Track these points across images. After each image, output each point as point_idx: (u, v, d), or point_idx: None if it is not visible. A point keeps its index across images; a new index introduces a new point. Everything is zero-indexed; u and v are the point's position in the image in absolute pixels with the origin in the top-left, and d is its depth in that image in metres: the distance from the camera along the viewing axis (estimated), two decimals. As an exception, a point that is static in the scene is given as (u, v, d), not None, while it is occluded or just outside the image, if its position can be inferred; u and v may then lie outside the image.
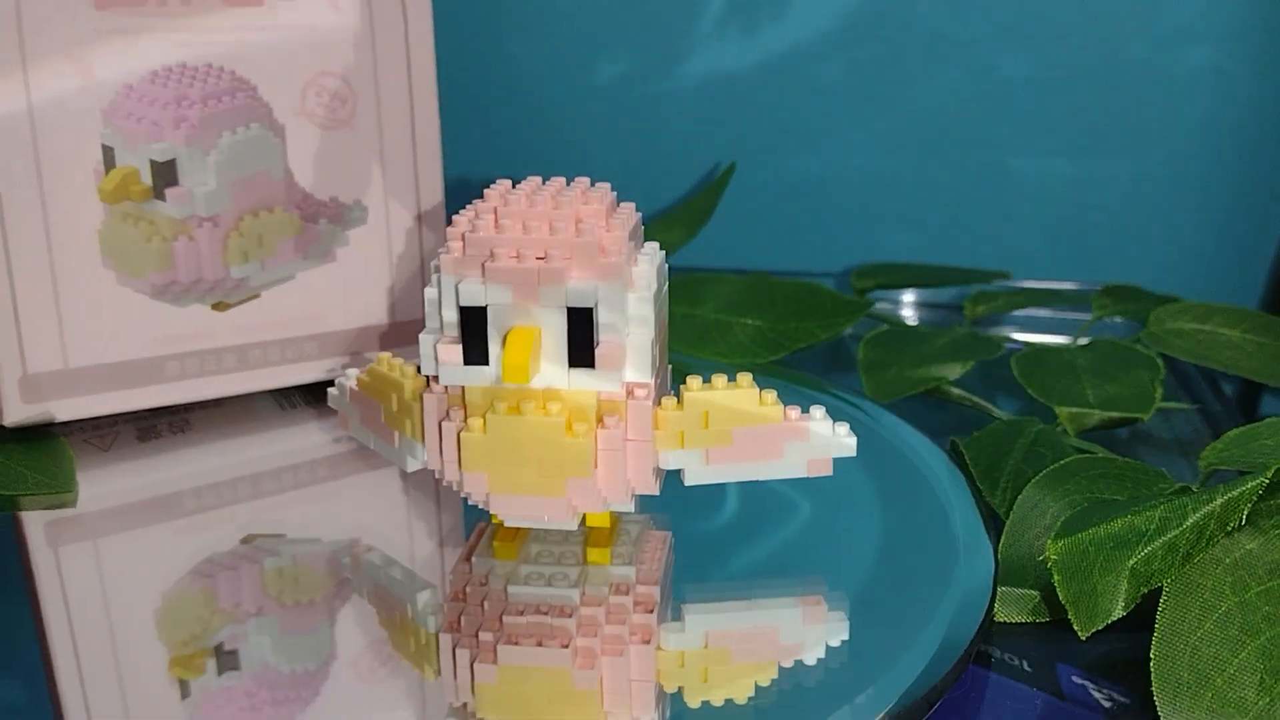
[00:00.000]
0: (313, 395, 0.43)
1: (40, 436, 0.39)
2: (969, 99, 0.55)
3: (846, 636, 0.31)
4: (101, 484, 0.38)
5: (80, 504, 0.37)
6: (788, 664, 0.30)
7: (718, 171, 0.57)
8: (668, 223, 0.52)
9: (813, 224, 0.57)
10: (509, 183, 0.32)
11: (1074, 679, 0.30)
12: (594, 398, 0.29)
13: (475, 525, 0.35)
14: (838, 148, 0.56)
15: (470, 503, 0.31)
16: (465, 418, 0.30)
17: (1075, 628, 0.27)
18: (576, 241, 0.29)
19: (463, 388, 0.30)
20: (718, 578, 0.34)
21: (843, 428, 0.32)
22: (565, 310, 0.29)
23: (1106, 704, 0.29)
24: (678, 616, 0.32)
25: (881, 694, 0.28)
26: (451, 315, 0.29)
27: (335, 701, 0.29)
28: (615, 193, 0.32)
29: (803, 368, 0.47)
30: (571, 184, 0.32)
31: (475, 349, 0.29)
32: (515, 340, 0.28)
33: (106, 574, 0.35)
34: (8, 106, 0.35)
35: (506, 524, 0.33)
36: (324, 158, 0.40)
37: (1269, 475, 0.27)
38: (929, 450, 0.39)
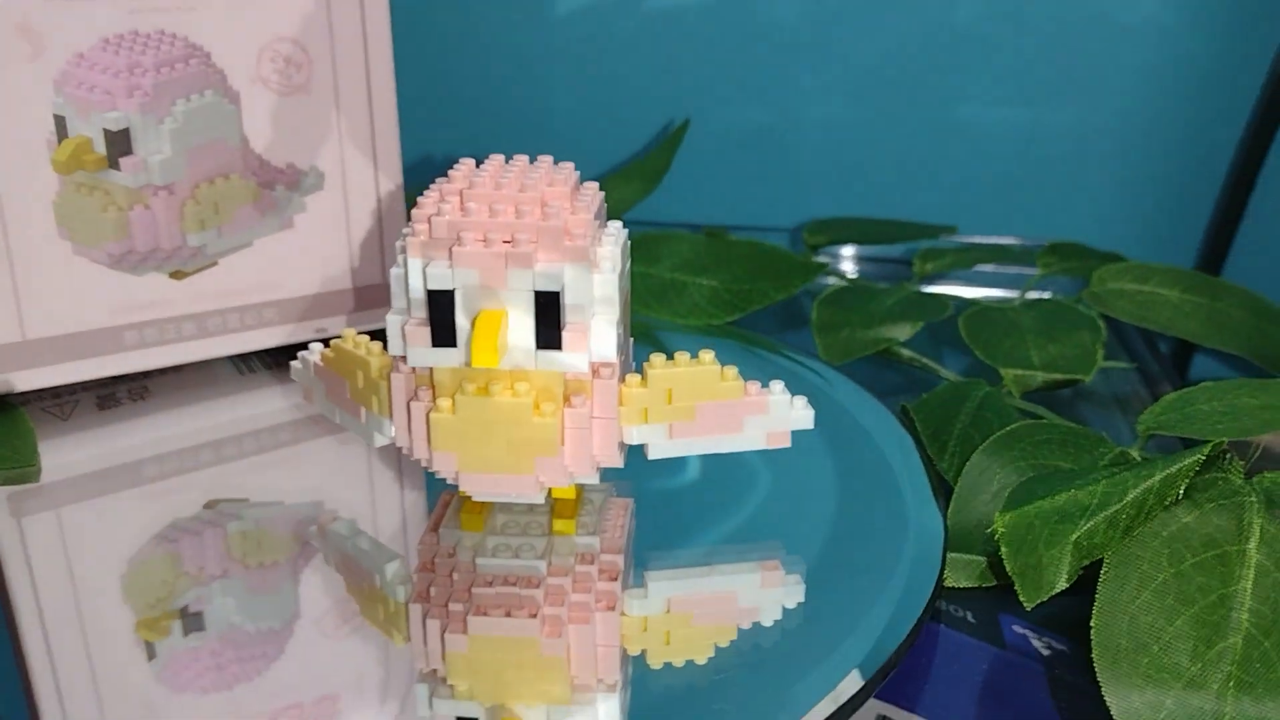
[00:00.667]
0: (272, 360, 0.43)
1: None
2: (920, 48, 0.56)
3: (803, 599, 0.32)
4: (62, 453, 0.38)
5: (43, 475, 0.37)
6: (747, 626, 0.31)
7: (672, 124, 0.57)
8: (623, 177, 0.52)
9: (765, 176, 0.58)
10: (473, 162, 0.32)
11: (1015, 629, 0.31)
12: (560, 378, 0.30)
13: (439, 495, 0.36)
14: (790, 98, 0.57)
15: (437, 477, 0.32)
16: (434, 398, 0.30)
17: (1021, 599, 0.28)
18: (543, 225, 0.29)
19: (431, 368, 0.30)
20: (678, 545, 0.35)
21: (800, 401, 0.33)
22: (533, 294, 0.29)
23: (1045, 652, 0.30)
24: (640, 583, 0.33)
25: (842, 658, 0.29)
26: (418, 296, 0.30)
27: (299, 660, 0.30)
28: (578, 170, 0.32)
29: (756, 324, 0.47)
30: (535, 162, 0.32)
31: (443, 331, 0.29)
32: (483, 324, 0.29)
33: (70, 544, 0.35)
34: (-45, 76, 0.34)
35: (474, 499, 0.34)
36: (280, 124, 0.39)
37: (1205, 452, 0.28)
38: (880, 415, 0.40)
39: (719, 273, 0.46)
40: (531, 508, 0.34)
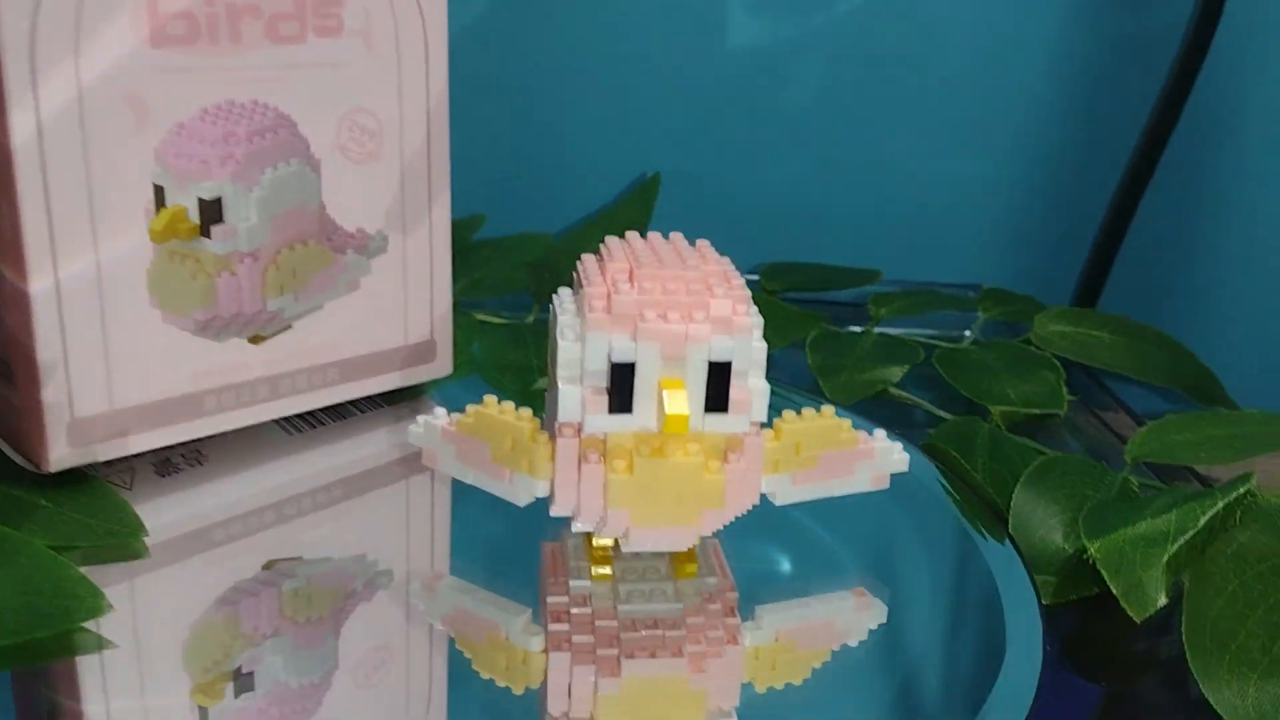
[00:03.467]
0: (315, 420, 0.44)
1: (76, 480, 0.37)
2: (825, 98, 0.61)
3: (884, 620, 0.37)
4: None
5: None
6: (840, 649, 0.35)
7: (636, 175, 0.60)
8: (596, 230, 0.55)
9: (706, 224, 0.62)
10: (619, 241, 0.35)
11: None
12: (723, 437, 0.33)
13: (542, 546, 0.38)
14: (715, 146, 0.61)
15: (599, 535, 0.34)
16: (605, 460, 0.33)
17: (1131, 614, 0.33)
18: (714, 303, 0.32)
19: (606, 433, 0.33)
20: (767, 577, 0.39)
21: (898, 446, 0.37)
22: (706, 364, 0.32)
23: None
24: (749, 615, 0.36)
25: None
26: (597, 368, 0.32)
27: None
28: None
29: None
30: (668, 239, 0.35)
31: (622, 400, 0.32)
32: (673, 395, 0.31)
33: (140, 612, 0.35)
34: (64, 147, 0.34)
35: (596, 545, 0.36)
36: (353, 191, 0.40)
37: (1249, 483, 0.35)
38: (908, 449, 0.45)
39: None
40: (639, 554, 0.37)
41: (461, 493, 0.41)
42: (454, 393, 0.48)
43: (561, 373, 0.33)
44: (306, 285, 0.40)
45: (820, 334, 0.52)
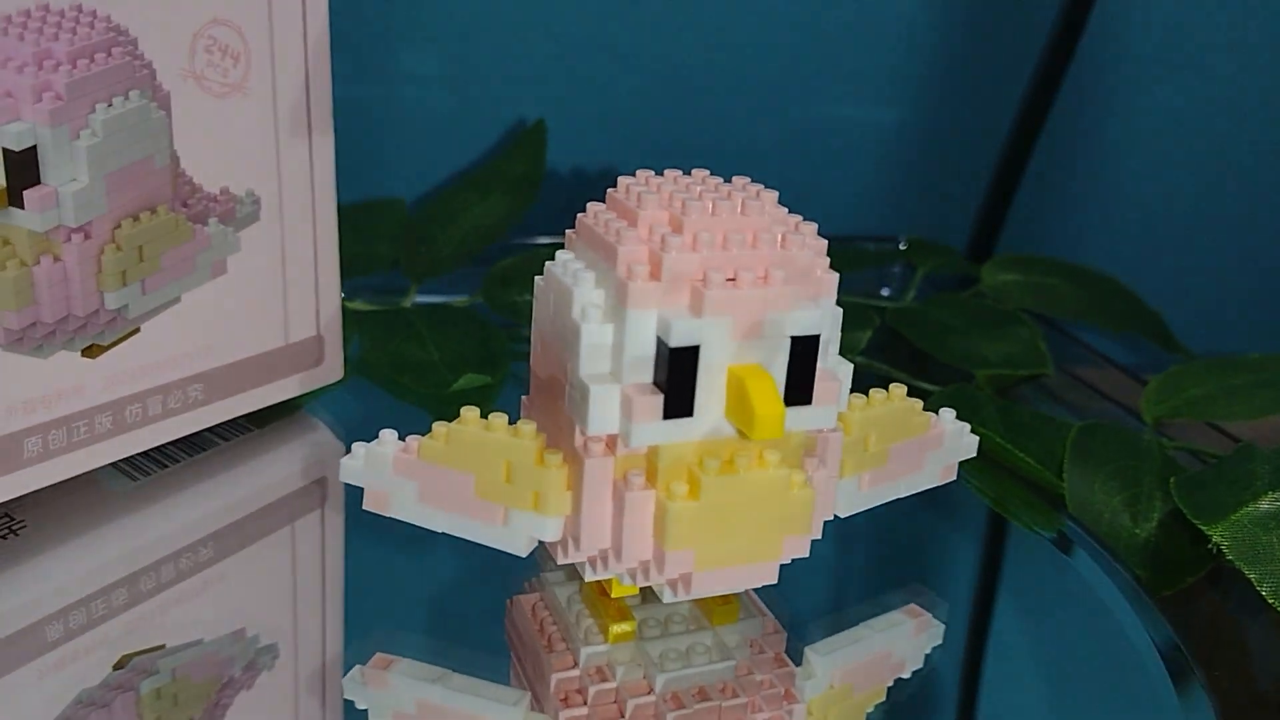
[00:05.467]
0: (166, 457, 0.32)
1: None
2: (696, 54, 0.54)
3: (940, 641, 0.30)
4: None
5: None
6: (896, 684, 0.28)
7: (505, 124, 0.50)
8: (476, 189, 0.45)
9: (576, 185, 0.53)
10: (634, 180, 0.25)
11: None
12: (800, 438, 0.25)
13: (512, 603, 0.29)
14: (586, 95, 0.53)
15: (637, 582, 0.25)
16: (657, 482, 0.24)
17: (1275, 604, 0.28)
18: (794, 256, 0.24)
19: (652, 447, 0.24)
20: (799, 608, 0.31)
21: (966, 427, 0.30)
22: (788, 341, 0.24)
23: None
24: (798, 660, 0.29)
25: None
26: (642, 356, 0.23)
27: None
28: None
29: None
30: (694, 176, 0.26)
31: (681, 398, 0.23)
32: (759, 386, 0.23)
33: None
34: None
35: (616, 593, 0.27)
36: (214, 136, 0.29)
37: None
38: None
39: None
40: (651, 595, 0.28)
41: (367, 535, 0.31)
42: (338, 404, 0.37)
43: (585, 368, 0.23)
44: (157, 270, 0.29)
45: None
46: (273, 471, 0.34)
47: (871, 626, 0.30)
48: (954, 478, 0.30)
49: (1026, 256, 0.48)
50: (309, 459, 0.35)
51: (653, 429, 0.23)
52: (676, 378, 0.23)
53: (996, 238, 0.59)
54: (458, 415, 0.25)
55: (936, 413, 0.29)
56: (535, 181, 0.45)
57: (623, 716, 0.25)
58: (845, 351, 0.41)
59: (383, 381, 0.38)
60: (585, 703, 0.26)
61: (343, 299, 0.42)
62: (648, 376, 0.23)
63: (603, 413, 0.23)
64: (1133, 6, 0.57)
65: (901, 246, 0.54)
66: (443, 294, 0.45)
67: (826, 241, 0.25)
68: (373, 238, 0.46)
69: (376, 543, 0.32)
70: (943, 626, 0.30)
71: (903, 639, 0.30)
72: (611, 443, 0.24)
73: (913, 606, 0.31)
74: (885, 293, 0.52)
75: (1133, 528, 0.32)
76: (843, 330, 0.42)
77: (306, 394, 0.35)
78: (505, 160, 0.46)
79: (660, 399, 0.23)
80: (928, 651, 0.29)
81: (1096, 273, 0.49)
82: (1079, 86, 0.58)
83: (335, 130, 0.49)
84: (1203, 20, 0.57)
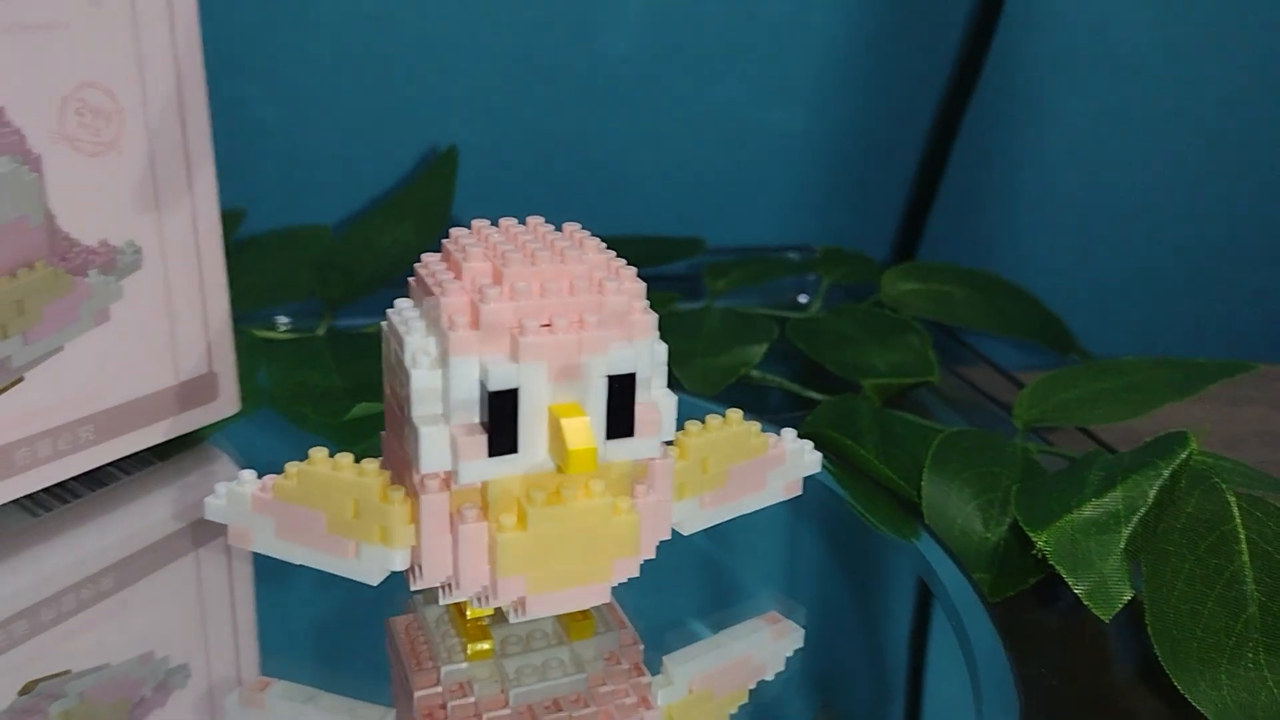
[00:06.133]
0: (68, 493, 0.34)
1: None
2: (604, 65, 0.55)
3: (801, 643, 0.31)
4: None
5: None
6: (758, 686, 0.30)
7: (430, 150, 0.52)
8: (389, 216, 0.47)
9: (516, 196, 0.54)
10: (469, 231, 0.27)
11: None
12: (629, 467, 0.26)
13: (389, 624, 0.30)
14: (506, 113, 0.54)
15: (481, 606, 0.27)
16: (486, 515, 0.25)
17: (1098, 614, 0.29)
18: (608, 301, 0.25)
19: (483, 482, 0.25)
20: (666, 620, 0.32)
21: (808, 445, 0.31)
22: (605, 379, 0.25)
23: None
24: (657, 669, 0.30)
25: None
26: (466, 399, 0.25)
27: None
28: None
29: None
30: (526, 225, 0.28)
31: (505, 438, 0.25)
32: (574, 424, 0.24)
33: None
34: None
35: (472, 615, 0.29)
36: (89, 192, 0.31)
37: (1193, 444, 0.31)
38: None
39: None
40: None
41: (269, 564, 0.33)
42: (243, 435, 0.39)
43: (417, 410, 0.25)
44: (39, 322, 0.30)
45: (661, 316, 0.46)
46: (175, 502, 0.35)
47: (731, 634, 0.32)
48: (799, 493, 0.31)
49: (925, 264, 0.50)
50: (211, 490, 0.37)
51: (480, 466, 0.25)
52: (498, 418, 0.25)
53: (917, 244, 0.60)
54: (350, 444, 0.27)
55: (780, 431, 0.31)
56: (445, 207, 0.47)
57: (481, 727, 0.27)
58: (742, 364, 0.43)
59: (286, 411, 0.39)
60: (446, 717, 0.28)
61: (254, 327, 0.44)
62: (474, 417, 0.25)
63: (433, 452, 0.25)
64: (1041, 13, 0.58)
65: (817, 256, 0.55)
66: (359, 318, 0.46)
67: (644, 284, 0.26)
68: (295, 265, 0.47)
69: (276, 569, 0.33)
70: (802, 630, 0.32)
71: (762, 644, 0.31)
72: (448, 479, 0.26)
73: (772, 613, 0.32)
74: (803, 300, 0.54)
75: (984, 533, 0.34)
76: (743, 342, 0.44)
77: (207, 427, 0.37)
78: (418, 187, 0.48)
79: (485, 438, 0.25)
80: (789, 654, 0.31)
81: (995, 279, 0.50)
82: (995, 89, 0.59)
83: (257, 156, 0.51)
84: (1118, 18, 0.59)
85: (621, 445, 0.26)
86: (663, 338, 0.44)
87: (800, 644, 0.31)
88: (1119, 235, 0.62)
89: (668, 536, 0.28)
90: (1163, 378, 0.40)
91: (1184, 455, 0.31)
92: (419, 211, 0.47)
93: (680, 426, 0.29)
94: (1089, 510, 0.30)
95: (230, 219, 0.49)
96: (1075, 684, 0.30)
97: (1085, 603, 0.29)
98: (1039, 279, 0.57)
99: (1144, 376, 0.40)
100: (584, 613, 0.30)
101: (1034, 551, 0.30)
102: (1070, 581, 0.29)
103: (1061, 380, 0.41)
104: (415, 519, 0.26)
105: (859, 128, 0.60)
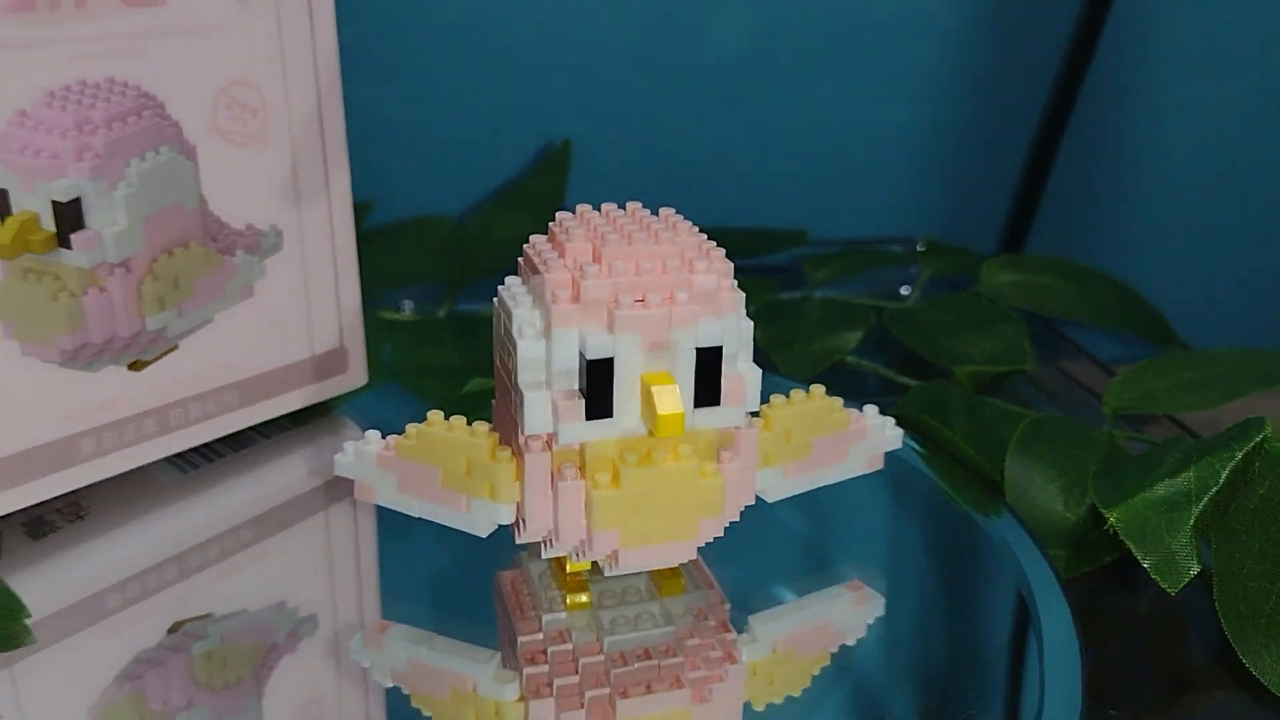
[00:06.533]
0: (213, 452, 0.38)
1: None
2: (724, 60, 0.57)
3: (882, 612, 0.33)
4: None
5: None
6: (840, 650, 0.31)
7: (548, 145, 0.55)
8: (506, 206, 0.50)
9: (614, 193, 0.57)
10: (573, 215, 0.30)
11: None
12: (715, 434, 0.29)
13: (497, 577, 0.33)
14: (622, 108, 0.56)
15: (579, 559, 0.29)
16: (585, 474, 0.28)
17: (1164, 587, 0.30)
18: (697, 279, 0.27)
19: (582, 444, 0.28)
20: (752, 583, 0.34)
21: (890, 422, 0.33)
22: (693, 351, 0.27)
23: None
24: (742, 628, 0.32)
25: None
26: (566, 368, 0.27)
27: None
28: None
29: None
30: (625, 210, 0.30)
31: (600, 402, 0.27)
32: (664, 391, 0.27)
33: (25, 704, 0.29)
34: None
35: (571, 570, 0.31)
36: (237, 180, 0.34)
37: (1267, 429, 0.32)
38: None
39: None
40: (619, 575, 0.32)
41: (390, 522, 0.36)
42: (368, 406, 0.42)
43: (523, 377, 0.28)
44: (191, 296, 0.34)
45: (762, 304, 0.48)
46: (308, 464, 0.39)
47: (814, 598, 0.34)
48: (880, 467, 0.33)
49: (1025, 257, 0.51)
50: (340, 451, 0.40)
51: (578, 429, 0.27)
52: (595, 385, 0.27)
53: (1024, 239, 0.61)
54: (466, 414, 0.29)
55: (860, 410, 0.33)
56: (559, 198, 0.50)
57: (576, 673, 0.30)
58: (838, 350, 0.45)
59: (408, 384, 0.42)
60: (546, 661, 0.30)
61: (382, 310, 0.48)
62: (574, 384, 0.28)
63: (537, 415, 0.27)
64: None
65: (919, 248, 0.56)
66: (478, 303, 0.49)
67: (732, 265, 0.29)
68: (419, 253, 0.51)
69: (395, 528, 0.36)
70: (882, 599, 0.33)
71: (844, 610, 0.33)
72: (549, 440, 0.28)
73: (854, 581, 0.34)
74: (904, 292, 0.55)
75: (1063, 512, 0.35)
76: (840, 329, 0.46)
77: (338, 398, 0.40)
78: (533, 179, 0.51)
79: (583, 403, 0.27)
80: (869, 622, 0.33)
81: (1095, 271, 0.51)
82: (1104, 83, 0.59)
83: (387, 151, 0.55)
84: (1229, 11, 0.58)
85: (708, 414, 0.28)
86: (762, 324, 0.46)
87: (880, 612, 0.33)
88: (1229, 230, 0.61)
89: (751, 501, 0.31)
90: (1251, 368, 0.40)
91: (1258, 439, 0.32)
92: (534, 202, 0.49)
93: (766, 400, 0.31)
94: (1161, 489, 0.31)
95: (359, 210, 0.53)
96: (1142, 657, 0.31)
97: (1152, 576, 0.30)
98: (1146, 274, 0.58)
99: (1232, 367, 0.41)
100: (674, 571, 0.32)
101: (1105, 527, 0.31)
102: (1139, 555, 0.30)
103: (1152, 369, 0.41)
104: (520, 477, 0.29)
105: (967, 122, 0.61)
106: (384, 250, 0.49)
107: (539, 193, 0.50)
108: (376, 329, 0.44)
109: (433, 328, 0.46)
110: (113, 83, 0.31)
